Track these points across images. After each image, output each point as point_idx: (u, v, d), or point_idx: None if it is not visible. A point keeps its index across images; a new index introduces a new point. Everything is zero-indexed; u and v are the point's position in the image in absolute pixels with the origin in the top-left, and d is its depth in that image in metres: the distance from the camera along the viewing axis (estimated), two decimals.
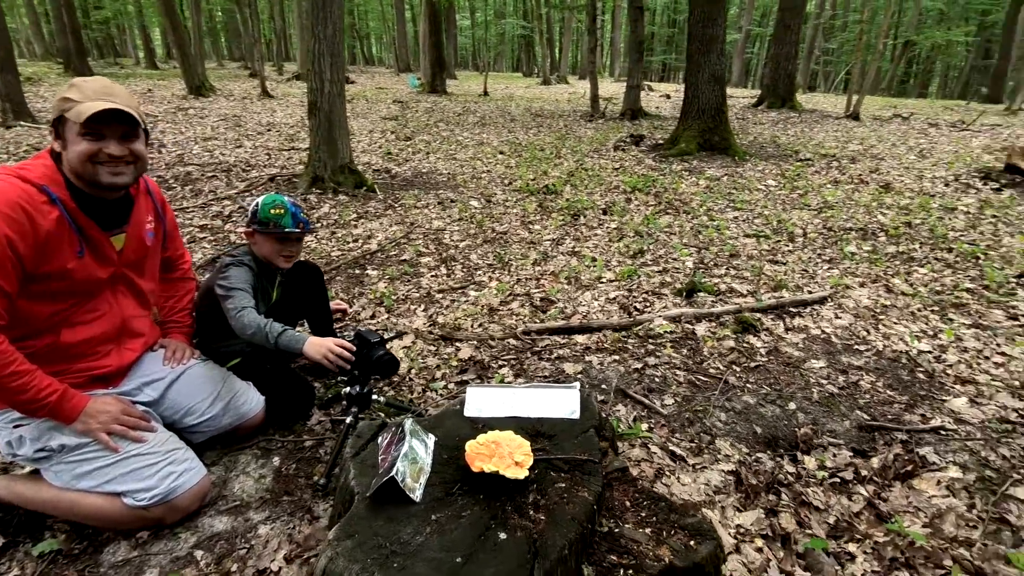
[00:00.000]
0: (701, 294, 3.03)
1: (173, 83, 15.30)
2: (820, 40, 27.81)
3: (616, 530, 1.38)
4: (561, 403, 1.62)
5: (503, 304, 3.06)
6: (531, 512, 1.30)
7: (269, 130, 8.80)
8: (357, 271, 3.51)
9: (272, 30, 29.66)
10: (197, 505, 1.65)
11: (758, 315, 2.78)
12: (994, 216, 4.66)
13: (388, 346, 1.85)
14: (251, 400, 1.94)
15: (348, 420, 1.86)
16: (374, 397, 1.94)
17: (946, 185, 5.78)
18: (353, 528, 1.25)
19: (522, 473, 1.33)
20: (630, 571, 1.28)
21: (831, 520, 1.70)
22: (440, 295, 3.19)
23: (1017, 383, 2.31)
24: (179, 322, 2.03)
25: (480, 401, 1.64)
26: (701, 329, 2.68)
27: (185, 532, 1.60)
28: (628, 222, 4.47)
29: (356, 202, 4.99)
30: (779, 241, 4.01)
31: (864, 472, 1.87)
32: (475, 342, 2.62)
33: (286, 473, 1.85)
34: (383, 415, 2.06)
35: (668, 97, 17.69)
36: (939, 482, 1.83)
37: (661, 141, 8.12)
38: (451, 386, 2.30)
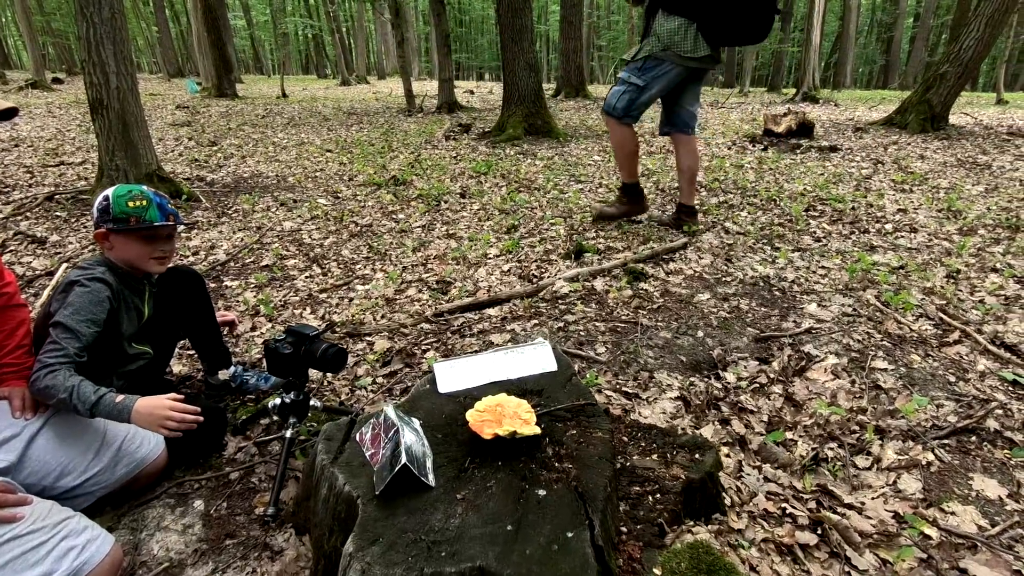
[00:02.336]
0: (587, 254, 3.20)
1: None
2: (593, 38, 31.05)
3: (627, 464, 1.40)
4: (536, 359, 1.57)
5: (399, 292, 2.88)
6: (556, 464, 1.24)
7: (17, 146, 7.07)
8: (212, 284, 3.00)
9: None
10: None
11: (640, 265, 3.02)
12: (769, 169, 5.69)
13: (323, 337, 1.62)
14: (148, 440, 1.55)
15: (288, 434, 1.58)
16: (313, 403, 1.68)
17: (728, 148, 6.88)
18: (373, 532, 1.07)
19: (537, 429, 1.26)
20: (657, 495, 1.30)
21: (764, 418, 1.92)
22: (323, 294, 2.88)
23: (841, 286, 2.85)
24: (15, 364, 1.53)
25: (451, 376, 1.52)
26: (599, 284, 2.82)
27: None
28: (489, 202, 4.52)
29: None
30: None
31: (771, 375, 2.16)
32: (386, 333, 2.43)
33: (218, 515, 1.52)
34: (315, 424, 1.80)
35: (472, 92, 18.24)
36: (825, 369, 2.19)
37: (488, 129, 8.35)
38: (379, 379, 2.10)
